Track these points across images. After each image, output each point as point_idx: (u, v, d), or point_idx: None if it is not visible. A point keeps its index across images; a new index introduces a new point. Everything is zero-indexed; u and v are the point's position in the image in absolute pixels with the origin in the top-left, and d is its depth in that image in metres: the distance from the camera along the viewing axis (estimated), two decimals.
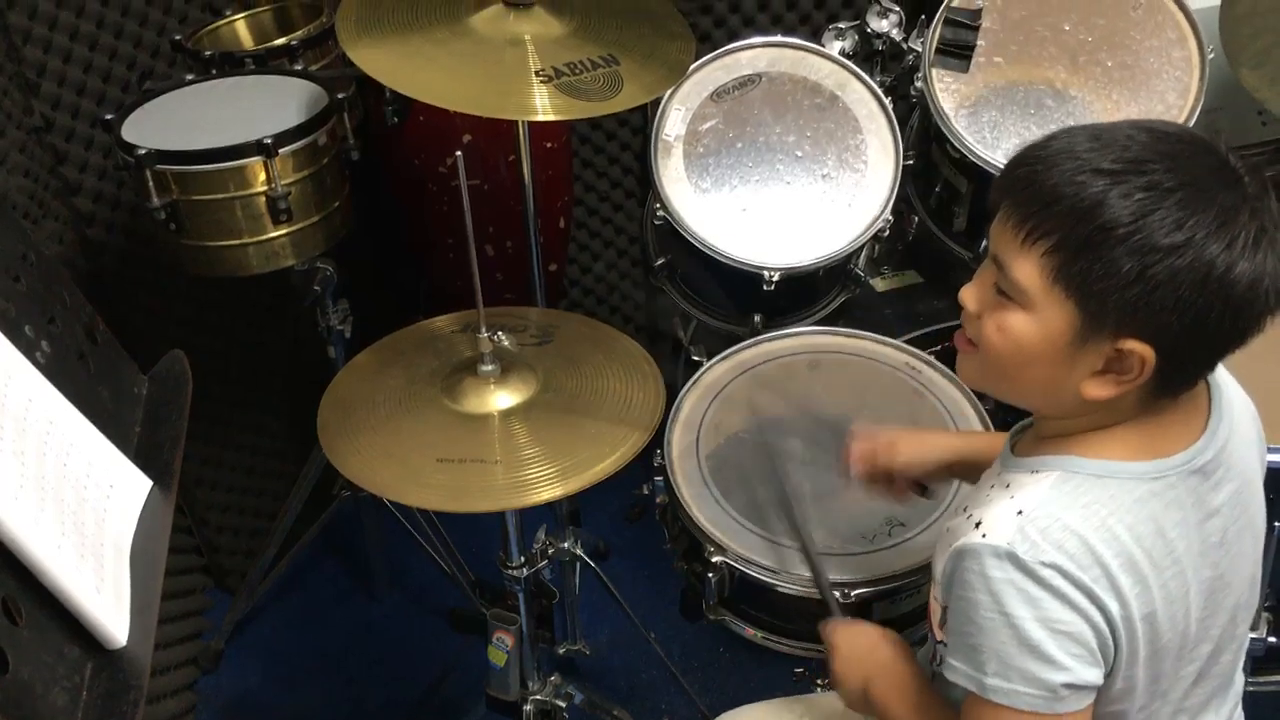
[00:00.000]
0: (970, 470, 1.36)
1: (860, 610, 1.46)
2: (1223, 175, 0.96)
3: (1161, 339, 0.96)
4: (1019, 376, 1.06)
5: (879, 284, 2.19)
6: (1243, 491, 1.10)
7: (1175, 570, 1.04)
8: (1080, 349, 1.00)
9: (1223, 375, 1.11)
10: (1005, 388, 1.12)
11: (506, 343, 1.54)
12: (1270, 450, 1.20)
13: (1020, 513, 1.02)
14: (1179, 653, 1.08)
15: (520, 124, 1.72)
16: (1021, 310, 1.01)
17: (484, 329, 1.50)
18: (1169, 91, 1.82)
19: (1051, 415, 1.10)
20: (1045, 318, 1.00)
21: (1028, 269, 0.99)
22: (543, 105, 1.53)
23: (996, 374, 1.09)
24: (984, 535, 1.03)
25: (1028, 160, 1.01)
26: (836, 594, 1.44)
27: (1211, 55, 1.82)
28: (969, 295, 1.09)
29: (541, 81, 1.54)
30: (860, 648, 1.29)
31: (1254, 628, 1.60)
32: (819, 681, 1.67)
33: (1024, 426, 1.17)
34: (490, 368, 1.51)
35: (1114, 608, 1.00)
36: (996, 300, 1.04)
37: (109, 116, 1.76)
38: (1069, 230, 0.96)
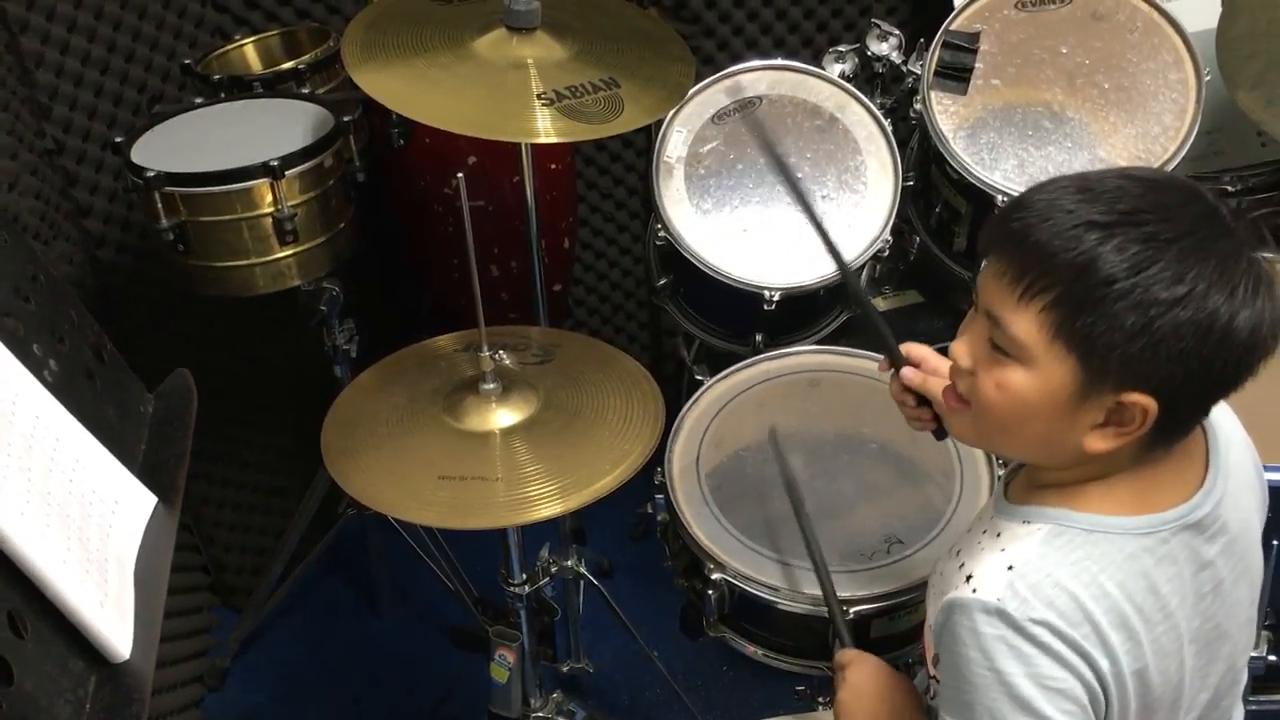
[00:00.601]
0: None
1: (858, 628, 1.46)
2: (1215, 222, 0.96)
3: (1164, 390, 0.96)
4: (1018, 432, 1.04)
5: (880, 303, 2.21)
6: (1239, 541, 1.09)
7: (1168, 625, 1.03)
8: (1082, 404, 0.99)
9: (1220, 416, 1.09)
10: (1003, 443, 1.11)
11: (508, 361, 1.56)
12: (1269, 469, 1.19)
13: (1011, 568, 1.01)
14: (1173, 705, 1.07)
15: (523, 146, 1.74)
16: (1020, 366, 1.00)
17: (486, 348, 1.51)
18: (1165, 113, 1.83)
19: (1049, 467, 1.08)
20: (1046, 374, 0.99)
21: (1026, 325, 0.98)
22: (544, 128, 1.54)
23: (994, 431, 1.07)
24: (974, 590, 1.02)
25: (1017, 213, 1.00)
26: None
27: (1208, 77, 1.84)
28: (961, 351, 1.07)
29: (543, 104, 1.56)
30: (871, 687, 1.27)
31: (1254, 646, 1.60)
32: (820, 700, 1.68)
33: (1016, 468, 1.17)
34: (492, 386, 1.52)
35: (1104, 664, 0.99)
36: (992, 356, 1.02)
37: (119, 139, 1.79)
38: (1068, 285, 0.95)
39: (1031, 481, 1.11)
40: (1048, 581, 1.00)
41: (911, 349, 1.30)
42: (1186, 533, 1.04)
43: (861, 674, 1.29)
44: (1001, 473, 1.41)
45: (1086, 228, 0.95)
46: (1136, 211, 0.95)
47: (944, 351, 1.14)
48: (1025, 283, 0.97)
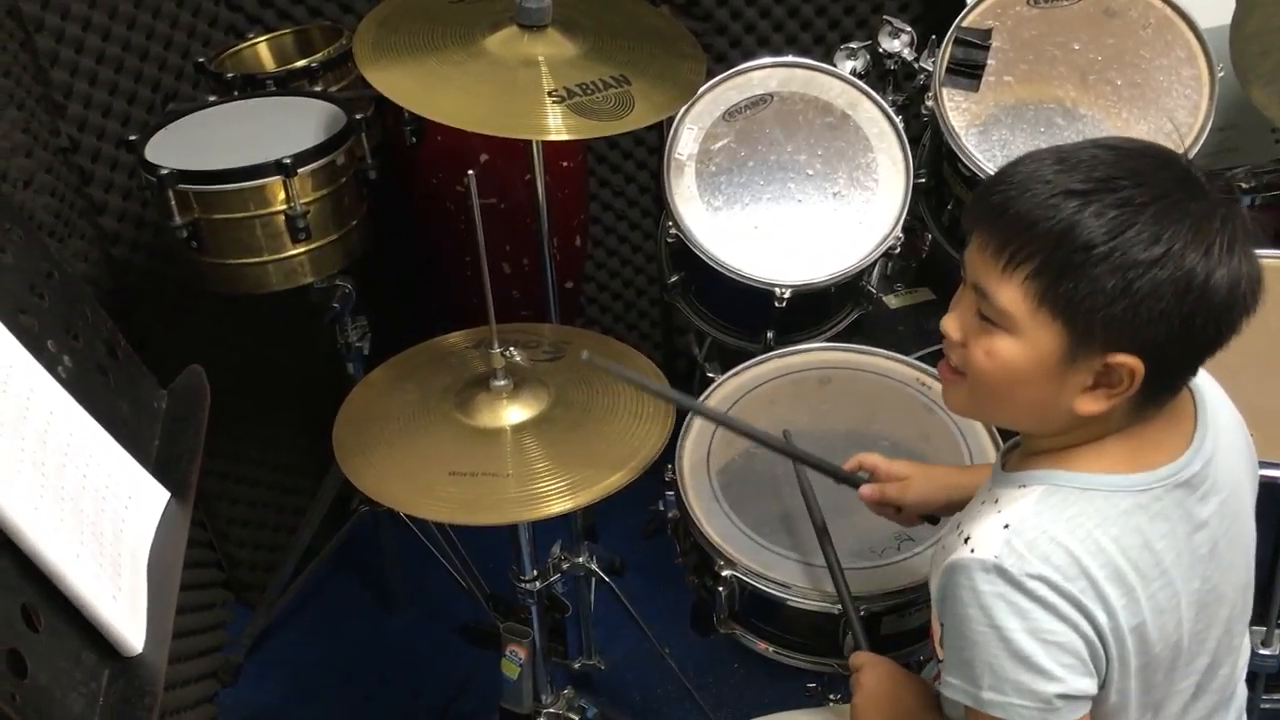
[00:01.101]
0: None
1: (869, 625, 1.46)
2: (1189, 185, 0.98)
3: (1149, 350, 0.98)
4: (1010, 399, 1.07)
5: (892, 301, 2.21)
6: (1230, 502, 1.10)
7: (1163, 582, 1.04)
8: (1070, 367, 1.01)
9: (1206, 384, 1.12)
10: (996, 412, 1.14)
11: (519, 358, 1.57)
12: (1265, 465, 1.20)
13: (1007, 526, 1.03)
14: (1172, 665, 1.09)
15: (534, 143, 1.74)
16: (1008, 335, 1.02)
17: (496, 345, 1.52)
18: (1178, 109, 1.83)
19: (1042, 434, 1.10)
20: (1033, 340, 1.01)
21: (1011, 294, 1.00)
22: (555, 125, 1.55)
23: (987, 399, 1.09)
24: (972, 550, 1.04)
25: (997, 187, 1.03)
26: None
27: (1222, 74, 1.83)
28: (951, 324, 1.09)
29: (554, 102, 1.56)
30: (884, 690, 1.29)
31: (1266, 644, 1.60)
32: (831, 696, 1.68)
33: (1014, 445, 1.19)
34: (503, 383, 1.53)
35: (1102, 619, 1.01)
36: (980, 326, 1.05)
37: (133, 137, 1.80)
38: (1049, 254, 0.97)
39: (1026, 450, 1.13)
40: (1043, 538, 1.01)
41: (862, 461, 1.45)
42: (1179, 490, 1.05)
43: (875, 677, 1.31)
44: None
45: (1065, 196, 0.97)
46: (1112, 179, 0.97)
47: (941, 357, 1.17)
48: (1008, 253, 1.00)
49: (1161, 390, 1.04)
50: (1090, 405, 1.02)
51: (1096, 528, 1.02)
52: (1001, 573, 1.01)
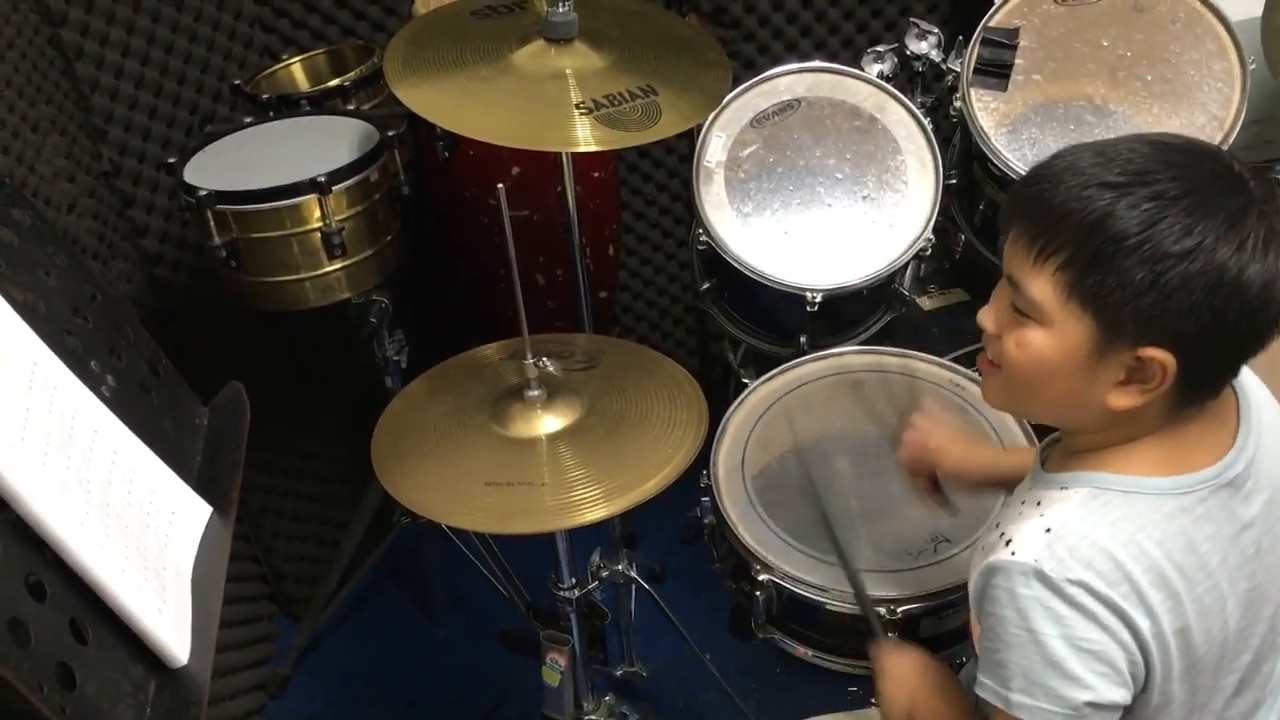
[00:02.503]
0: (1007, 483, 1.37)
1: (906, 627, 1.47)
2: (1227, 180, 0.97)
3: (1180, 345, 0.97)
4: (1043, 391, 1.07)
5: (925, 303, 2.20)
6: (1275, 501, 1.09)
7: (1209, 584, 1.04)
8: (1100, 360, 1.01)
9: (1250, 382, 1.11)
10: (1031, 405, 1.14)
11: (552, 368, 1.58)
12: None
13: (1049, 530, 1.03)
14: (1218, 664, 1.08)
15: (564, 155, 1.76)
16: (1039, 327, 1.02)
17: (530, 355, 1.53)
18: (1210, 103, 1.81)
19: (1078, 430, 1.10)
20: (1063, 332, 1.01)
21: (1042, 286, 1.00)
22: (584, 136, 1.56)
23: (1021, 391, 1.09)
24: (1013, 553, 1.04)
25: (1034, 180, 1.03)
26: (881, 610, 1.45)
27: (1253, 67, 1.82)
28: (987, 316, 1.10)
29: (582, 113, 1.57)
30: (908, 673, 1.31)
31: None
32: (873, 700, 1.68)
33: (1054, 440, 1.18)
34: (537, 393, 1.54)
35: (1144, 624, 1.00)
36: (1014, 319, 1.05)
37: (172, 160, 1.83)
38: (1079, 245, 0.97)
39: (1067, 450, 1.13)
40: (1085, 542, 1.01)
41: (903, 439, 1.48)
42: (1224, 491, 1.05)
43: (896, 662, 1.32)
44: None
45: (1099, 188, 0.97)
46: (1147, 171, 0.97)
47: (976, 358, 1.17)
48: (1040, 244, 1.00)
49: (1198, 388, 1.03)
50: (1123, 400, 1.01)
51: (1140, 531, 1.01)
52: (1041, 577, 1.01)
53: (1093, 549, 1.01)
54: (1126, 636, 1.01)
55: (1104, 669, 1.01)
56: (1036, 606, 1.01)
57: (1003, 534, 1.08)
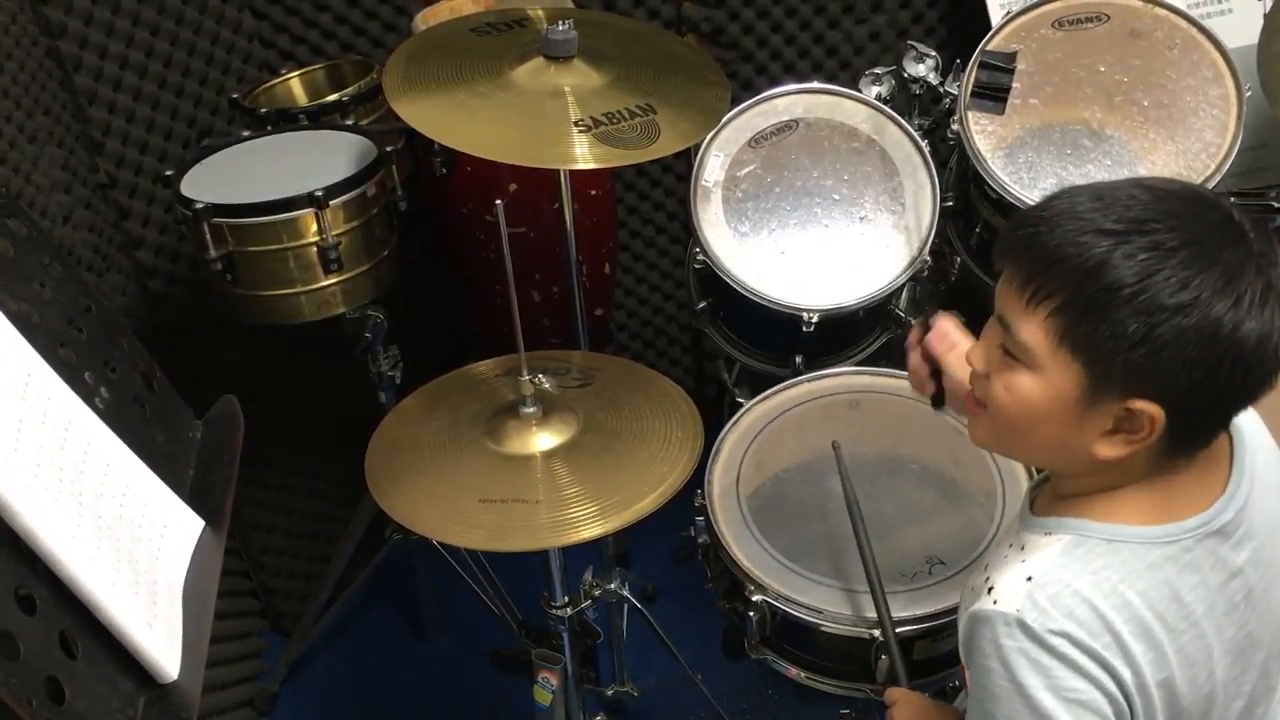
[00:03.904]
0: None
1: (901, 649, 1.46)
2: (1227, 232, 0.95)
3: (1170, 398, 0.95)
4: (1029, 436, 1.05)
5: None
6: (1266, 547, 1.08)
7: (1194, 634, 1.03)
8: (1089, 409, 0.99)
9: (1247, 422, 1.09)
10: (1017, 448, 1.13)
11: (548, 385, 1.57)
12: None
13: (1030, 579, 1.02)
14: (1204, 715, 1.07)
15: (562, 173, 1.76)
16: (1028, 371, 1.01)
17: (525, 372, 1.53)
18: (1206, 129, 1.82)
19: (1065, 474, 1.09)
20: (1052, 379, 0.99)
21: (1033, 330, 0.99)
22: (582, 154, 1.57)
23: (1007, 434, 1.08)
24: (995, 601, 1.03)
25: (1030, 221, 1.01)
26: (876, 632, 1.44)
27: (1249, 93, 1.82)
28: (976, 355, 1.09)
29: (581, 131, 1.58)
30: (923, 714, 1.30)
31: None
32: None
33: (1042, 481, 1.17)
34: (532, 410, 1.54)
35: (1126, 674, 0.99)
36: (1003, 360, 1.03)
37: (169, 173, 1.83)
38: (1074, 291, 0.96)
39: (1055, 493, 1.11)
40: (1067, 591, 1.00)
41: (940, 321, 1.37)
42: (1211, 539, 1.03)
43: (909, 710, 1.31)
44: None
45: (1096, 235, 0.95)
46: (1145, 220, 0.95)
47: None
48: (1032, 288, 0.98)
49: (1189, 440, 1.01)
50: (1109, 450, 1.00)
51: (1122, 582, 1.00)
52: (1024, 628, 1.00)
53: (1074, 599, 0.99)
54: (1111, 686, 0.99)
55: (1092, 718, 0.99)
56: (1021, 658, 1.00)
57: (987, 579, 1.07)
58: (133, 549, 1.07)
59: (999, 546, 1.14)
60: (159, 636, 1.03)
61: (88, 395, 1.15)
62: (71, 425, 1.09)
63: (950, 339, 1.34)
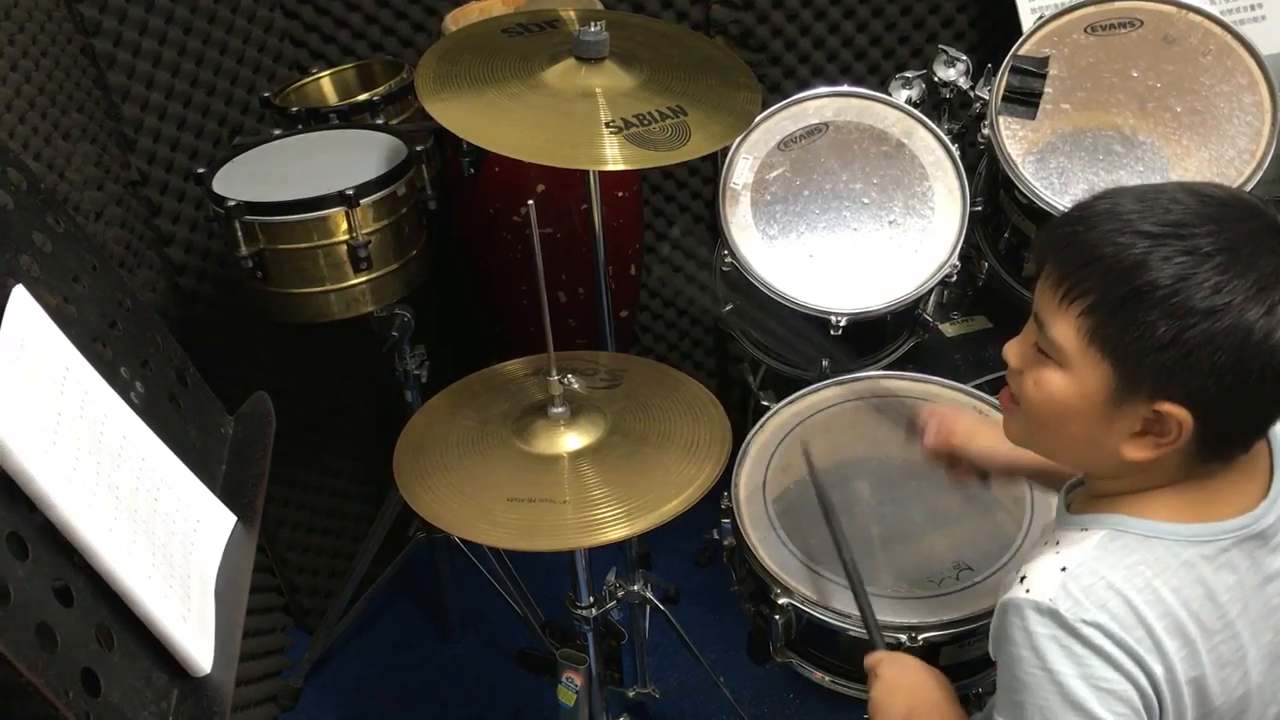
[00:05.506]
0: (1039, 474, 1.37)
1: (927, 654, 1.45)
2: (1267, 239, 0.95)
3: (1198, 403, 0.95)
4: (1058, 433, 1.06)
5: (948, 329, 2.19)
6: None
7: (1228, 634, 1.02)
8: (1117, 410, 0.99)
9: None
10: (1048, 445, 1.13)
11: (576, 386, 1.58)
12: None
13: (1064, 569, 1.02)
14: (1238, 718, 1.06)
15: (590, 174, 1.76)
16: (1059, 369, 1.02)
17: (554, 373, 1.53)
18: (1240, 136, 1.81)
19: (1097, 475, 1.09)
20: (1081, 377, 1.00)
21: (1064, 328, 1.00)
22: (612, 155, 1.57)
23: (1038, 430, 1.09)
24: (1027, 590, 1.03)
25: (1070, 220, 1.02)
26: (902, 637, 1.44)
27: None
28: (1012, 352, 1.10)
29: (611, 132, 1.58)
30: (907, 680, 1.28)
31: None
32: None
33: (1077, 483, 1.17)
34: (560, 410, 1.54)
35: (1158, 670, 0.99)
36: (1036, 358, 1.05)
37: (200, 170, 1.84)
38: (1106, 290, 0.96)
39: (1089, 493, 1.12)
40: (1100, 584, 1.00)
41: (925, 426, 1.46)
42: (1250, 543, 1.03)
43: (894, 668, 1.30)
44: None
45: (1134, 236, 0.96)
46: (1184, 224, 0.96)
47: (998, 385, 1.17)
48: (1067, 285, 0.99)
49: (1220, 446, 1.01)
50: (1137, 452, 1.00)
51: (1156, 577, 1.00)
52: (1055, 616, 1.00)
53: (1108, 591, 1.00)
54: (1143, 680, 0.99)
55: (1123, 709, 0.99)
56: (1054, 645, 1.00)
57: (1022, 575, 1.07)
58: (167, 543, 1.08)
59: (1033, 548, 1.15)
60: (193, 630, 1.04)
61: (123, 390, 1.16)
62: (108, 419, 1.10)
63: (948, 430, 1.43)
